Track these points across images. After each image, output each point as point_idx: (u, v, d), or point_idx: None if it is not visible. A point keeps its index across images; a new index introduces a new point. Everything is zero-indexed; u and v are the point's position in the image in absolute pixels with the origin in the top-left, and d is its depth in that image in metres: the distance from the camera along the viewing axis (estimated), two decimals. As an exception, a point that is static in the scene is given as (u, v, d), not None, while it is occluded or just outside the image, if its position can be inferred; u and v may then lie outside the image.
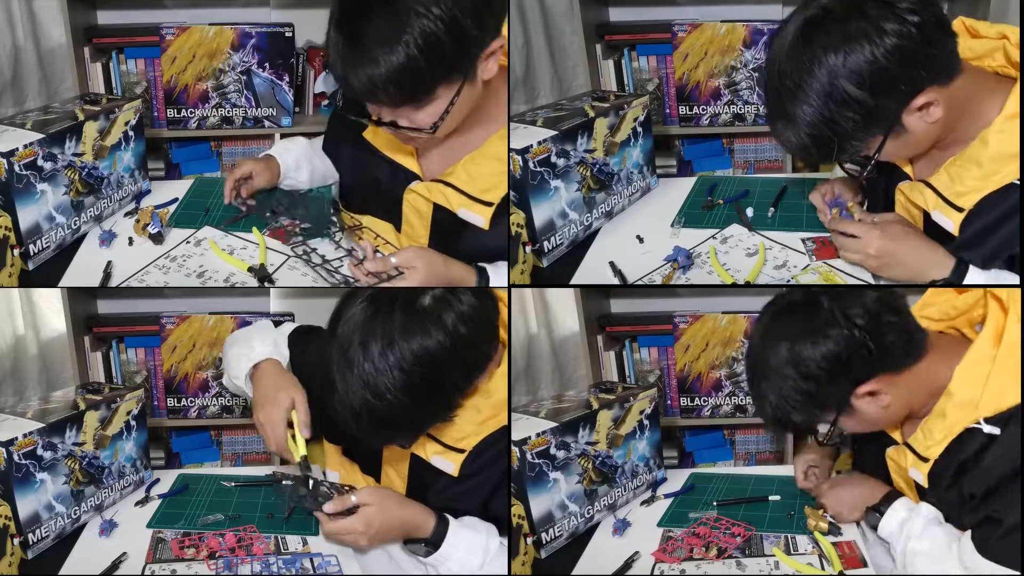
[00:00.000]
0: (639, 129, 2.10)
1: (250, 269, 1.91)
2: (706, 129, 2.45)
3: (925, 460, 1.67)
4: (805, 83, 1.57)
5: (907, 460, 1.71)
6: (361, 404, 1.59)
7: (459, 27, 1.61)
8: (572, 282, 1.98)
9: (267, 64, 2.35)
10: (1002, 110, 1.65)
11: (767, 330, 1.67)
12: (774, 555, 1.83)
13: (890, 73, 1.55)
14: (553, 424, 1.89)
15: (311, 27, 2.37)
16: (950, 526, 1.67)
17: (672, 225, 2.06)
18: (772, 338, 1.65)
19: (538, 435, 1.85)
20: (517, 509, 1.83)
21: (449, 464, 1.74)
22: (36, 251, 1.93)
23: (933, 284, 1.73)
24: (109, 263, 1.94)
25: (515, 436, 1.81)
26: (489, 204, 1.80)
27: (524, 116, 2.01)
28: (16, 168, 1.86)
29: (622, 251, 1.99)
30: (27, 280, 1.93)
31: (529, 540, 1.85)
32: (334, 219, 1.98)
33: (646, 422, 2.05)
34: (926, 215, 1.74)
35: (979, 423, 1.61)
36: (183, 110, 2.37)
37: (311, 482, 1.76)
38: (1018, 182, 1.64)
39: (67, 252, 1.98)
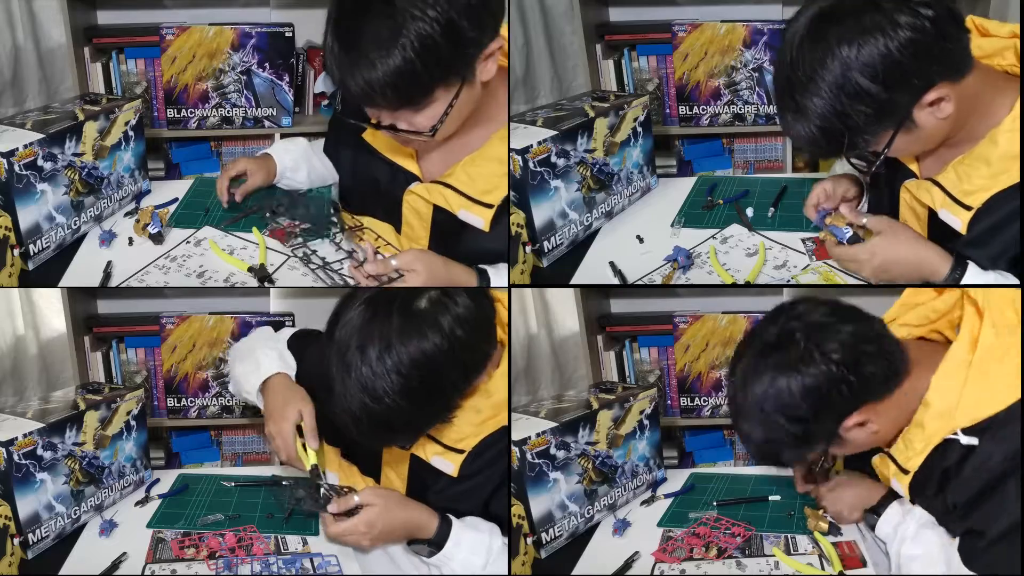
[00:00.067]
0: (639, 129, 2.10)
1: (250, 269, 1.91)
2: (706, 129, 2.45)
3: (906, 472, 1.66)
4: (817, 75, 1.55)
5: (889, 470, 1.70)
6: (360, 408, 1.59)
7: (456, 29, 1.60)
8: (572, 282, 1.98)
9: (267, 64, 2.35)
10: (1012, 109, 1.64)
11: (746, 373, 1.62)
12: (774, 555, 1.83)
13: (903, 67, 1.53)
14: (553, 424, 1.89)
15: (311, 27, 2.37)
16: (943, 529, 1.67)
17: (672, 225, 2.06)
18: (752, 380, 1.61)
19: (538, 435, 1.85)
20: (517, 509, 1.83)
21: (449, 465, 1.74)
22: (36, 251, 1.93)
23: (934, 284, 1.73)
24: (109, 263, 1.94)
25: (515, 436, 1.81)
26: (489, 206, 1.80)
27: (524, 116, 2.02)
28: (16, 168, 1.86)
29: (622, 251, 1.99)
30: (27, 280, 1.93)
31: (529, 540, 1.85)
32: (334, 220, 1.98)
33: (646, 422, 2.05)
34: (931, 213, 1.74)
35: (956, 434, 1.60)
36: (183, 110, 2.37)
37: (311, 484, 1.77)
38: None
39: (67, 252, 1.98)
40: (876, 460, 1.74)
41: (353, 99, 1.68)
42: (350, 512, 1.72)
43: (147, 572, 1.83)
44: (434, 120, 1.69)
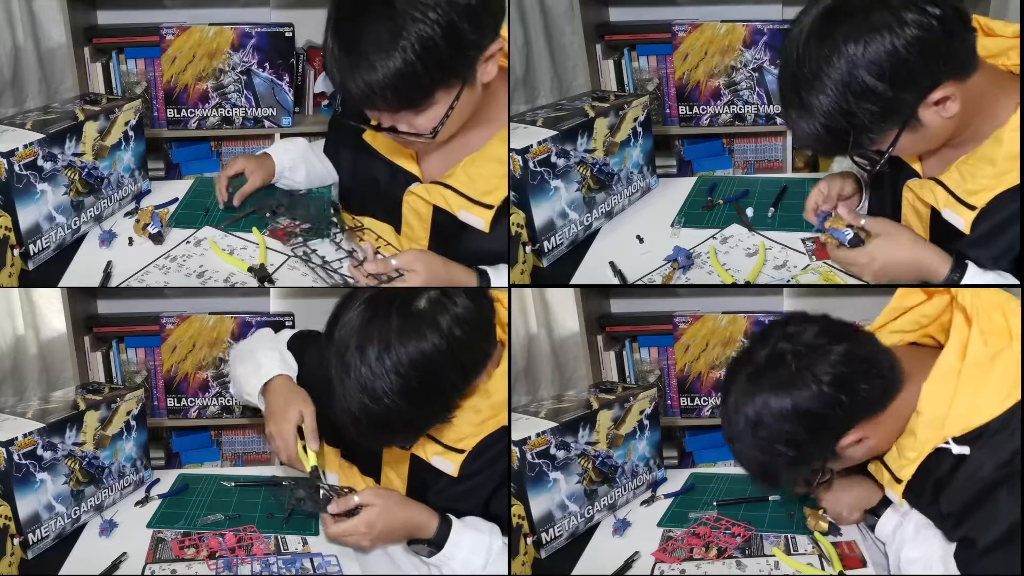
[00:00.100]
0: (639, 129, 2.10)
1: (250, 269, 1.91)
2: (706, 129, 2.45)
3: (899, 481, 1.66)
4: (823, 72, 1.55)
5: (883, 478, 1.70)
6: (359, 408, 1.59)
7: (456, 31, 1.60)
8: (572, 282, 1.98)
9: (267, 64, 2.35)
10: (1017, 109, 1.64)
11: (739, 397, 1.61)
12: (774, 555, 1.83)
13: (910, 65, 1.53)
14: (553, 424, 1.89)
15: (311, 27, 2.37)
16: (942, 532, 1.66)
17: (672, 225, 2.06)
18: (746, 405, 1.60)
19: (538, 435, 1.85)
20: (517, 509, 1.83)
21: (449, 464, 1.74)
22: (36, 251, 1.93)
23: (934, 284, 1.73)
24: (109, 263, 1.94)
25: (515, 436, 1.81)
26: (489, 207, 1.80)
27: (524, 116, 2.01)
28: (16, 168, 1.86)
29: (622, 251, 1.99)
30: (27, 280, 1.93)
31: (529, 540, 1.85)
32: (334, 219, 1.98)
33: (646, 422, 2.05)
34: (933, 213, 1.74)
35: (948, 443, 1.60)
36: (183, 110, 2.37)
37: (311, 484, 1.77)
38: None
39: (67, 252, 1.98)
40: (872, 467, 1.74)
41: (353, 101, 1.67)
42: (350, 512, 1.72)
43: (147, 572, 1.83)
44: (435, 122, 1.69)
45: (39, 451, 1.84)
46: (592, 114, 2.01)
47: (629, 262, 1.96)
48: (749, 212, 2.05)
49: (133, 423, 2.05)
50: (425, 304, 1.61)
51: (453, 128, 1.74)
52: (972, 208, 1.67)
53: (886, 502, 1.76)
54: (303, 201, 2.03)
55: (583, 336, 2.29)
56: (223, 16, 2.38)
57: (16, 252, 1.90)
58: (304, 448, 1.80)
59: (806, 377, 1.56)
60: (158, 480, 2.10)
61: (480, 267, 1.81)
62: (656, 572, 1.83)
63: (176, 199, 2.12)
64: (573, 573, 1.86)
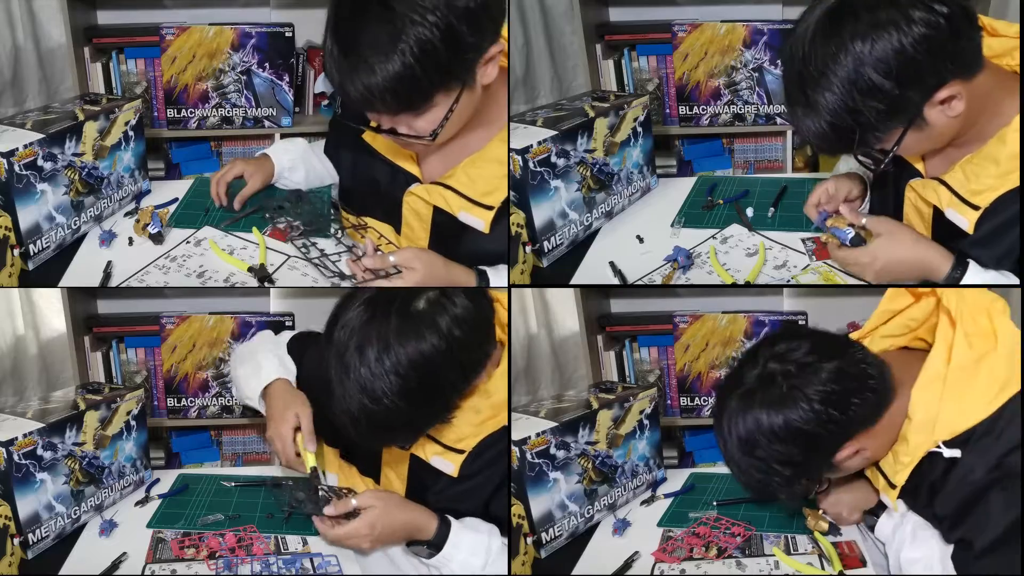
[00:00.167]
0: (639, 129, 2.10)
1: (250, 269, 1.91)
2: (706, 129, 2.45)
3: (893, 487, 1.66)
4: (829, 69, 1.54)
5: (879, 483, 1.70)
6: (359, 409, 1.59)
7: (455, 34, 1.59)
8: (572, 282, 1.98)
9: (267, 64, 2.35)
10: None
11: (731, 419, 1.61)
12: (774, 555, 1.83)
13: (917, 63, 1.52)
14: (553, 424, 1.89)
15: (311, 27, 2.37)
16: (939, 533, 1.67)
17: (672, 225, 2.06)
18: (739, 426, 1.60)
19: (538, 435, 1.85)
20: (517, 509, 1.83)
21: (449, 465, 1.74)
22: (36, 251, 1.93)
23: (934, 284, 1.73)
24: (109, 263, 1.94)
25: (515, 436, 1.81)
26: (490, 208, 1.80)
27: (524, 116, 2.01)
28: (16, 168, 1.86)
29: (622, 251, 1.99)
30: (27, 280, 1.93)
31: (529, 540, 1.85)
32: (334, 219, 1.98)
33: (646, 422, 2.05)
34: (936, 213, 1.74)
35: (939, 447, 1.60)
36: (183, 110, 2.37)
37: (310, 486, 1.77)
38: None
39: (67, 252, 1.98)
40: (868, 472, 1.74)
41: (353, 103, 1.67)
42: (348, 515, 1.72)
43: (147, 572, 1.83)
44: (434, 124, 1.69)
45: (39, 451, 1.84)
46: (592, 114, 2.01)
47: (629, 262, 1.96)
48: (749, 212, 2.05)
49: (133, 423, 2.05)
50: (424, 305, 1.61)
51: (453, 130, 1.74)
52: (976, 208, 1.67)
53: (883, 504, 1.75)
54: (303, 201, 2.02)
55: (583, 336, 2.29)
56: (223, 16, 2.38)
57: (16, 252, 1.90)
58: (303, 448, 1.80)
59: (797, 397, 1.56)
60: (158, 480, 2.10)
61: (480, 267, 1.81)
62: (656, 572, 1.83)
63: (176, 199, 2.12)
64: (573, 573, 1.86)
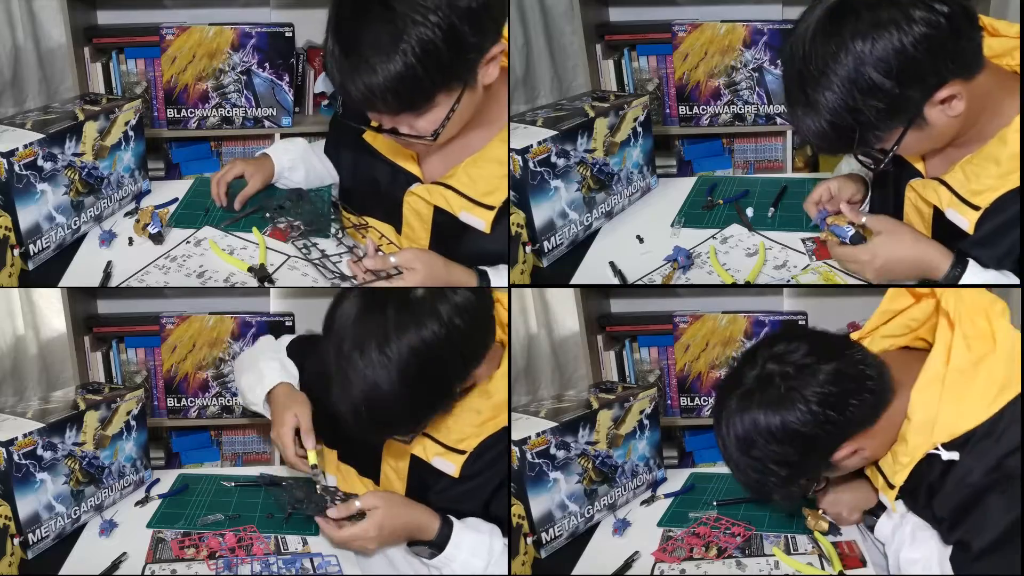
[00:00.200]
0: (639, 129, 2.10)
1: (250, 269, 1.91)
2: (706, 129, 2.45)
3: (892, 487, 1.66)
4: (830, 69, 1.54)
5: (878, 483, 1.70)
6: (359, 398, 1.59)
7: (457, 34, 1.59)
8: (572, 282, 1.98)
9: (267, 64, 2.35)
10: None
11: (730, 420, 1.61)
12: (774, 555, 1.83)
13: (917, 62, 1.52)
14: (553, 424, 1.89)
15: (311, 27, 2.37)
16: (938, 534, 1.67)
17: (672, 225, 2.06)
18: (737, 428, 1.60)
19: (538, 435, 1.85)
20: (517, 509, 1.83)
21: (450, 465, 1.74)
22: (36, 251, 1.93)
23: (935, 284, 1.72)
24: (109, 263, 1.94)
25: (515, 436, 1.81)
26: (490, 208, 1.80)
27: (524, 116, 2.01)
28: (16, 168, 1.86)
29: (622, 251, 1.99)
30: (27, 280, 1.93)
31: (529, 540, 1.85)
32: (334, 219, 1.98)
33: (646, 422, 2.05)
34: (936, 213, 1.74)
35: (937, 449, 1.60)
36: (183, 110, 2.37)
37: (310, 485, 1.77)
38: None
39: (67, 252, 1.98)
40: (868, 471, 1.74)
41: (354, 103, 1.67)
42: (352, 516, 1.72)
43: (147, 572, 1.83)
44: (435, 124, 1.69)
45: (39, 451, 1.84)
46: (592, 114, 2.01)
47: (629, 262, 1.96)
48: (749, 212, 2.05)
49: (133, 423, 2.05)
50: (423, 292, 1.61)
51: (454, 130, 1.74)
52: (976, 208, 1.67)
53: (883, 504, 1.75)
54: (303, 201, 2.02)
55: (583, 336, 2.29)
56: (223, 16, 2.38)
57: (16, 252, 1.90)
58: (304, 446, 1.80)
59: (795, 399, 1.56)
60: (158, 480, 2.10)
61: (480, 268, 1.81)
62: (656, 572, 1.83)
63: (176, 199, 2.12)
64: (573, 573, 1.86)
